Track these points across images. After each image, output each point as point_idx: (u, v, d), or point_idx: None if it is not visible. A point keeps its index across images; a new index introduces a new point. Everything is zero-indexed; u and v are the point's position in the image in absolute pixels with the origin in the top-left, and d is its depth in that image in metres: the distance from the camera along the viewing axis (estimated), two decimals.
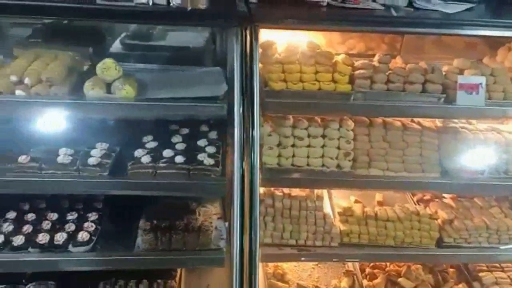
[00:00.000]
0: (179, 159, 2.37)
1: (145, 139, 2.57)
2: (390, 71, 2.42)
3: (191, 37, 2.91)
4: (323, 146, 2.48)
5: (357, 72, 2.37)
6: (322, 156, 2.47)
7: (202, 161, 2.38)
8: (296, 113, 2.48)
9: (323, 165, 2.46)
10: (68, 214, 2.55)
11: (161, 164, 2.34)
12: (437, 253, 2.67)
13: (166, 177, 2.32)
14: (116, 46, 2.83)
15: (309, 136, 2.49)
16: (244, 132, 2.11)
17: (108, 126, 2.61)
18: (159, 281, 2.67)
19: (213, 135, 2.69)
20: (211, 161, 2.38)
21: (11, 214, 2.50)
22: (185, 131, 2.70)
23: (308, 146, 2.47)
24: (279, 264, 2.99)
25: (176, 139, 2.59)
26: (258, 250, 2.09)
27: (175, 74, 2.59)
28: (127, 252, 2.41)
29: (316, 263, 3.06)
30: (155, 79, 2.47)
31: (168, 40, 2.89)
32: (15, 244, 2.31)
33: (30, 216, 2.50)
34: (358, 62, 2.42)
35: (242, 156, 2.07)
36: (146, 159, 2.35)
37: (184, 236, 2.42)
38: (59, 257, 2.33)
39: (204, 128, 2.76)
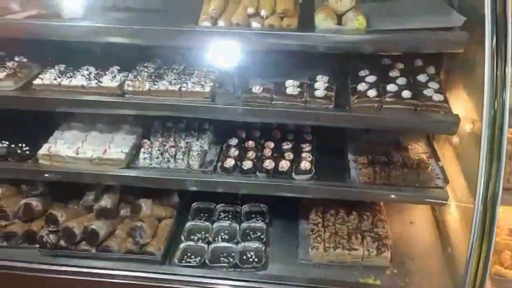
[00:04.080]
0: (406, 94, 2.29)
1: (362, 73, 2.54)
2: None
3: None
4: None
5: None
6: None
7: (431, 96, 2.28)
8: None
9: None
10: (284, 144, 2.68)
11: (387, 99, 2.29)
12: None
13: (392, 112, 2.28)
14: None
15: None
16: (496, 68, 1.92)
17: (326, 58, 2.62)
18: (367, 213, 2.72)
19: (431, 70, 2.55)
20: (440, 97, 2.27)
21: (233, 141, 2.71)
22: (400, 65, 2.60)
23: None
24: None
25: (394, 73, 2.51)
26: (500, 193, 1.98)
27: (398, 4, 2.46)
28: (344, 183, 2.47)
29: None
30: (377, 10, 2.37)
31: None
32: (244, 168, 2.50)
33: (250, 144, 2.68)
34: None
35: (494, 95, 1.91)
36: (372, 93, 2.32)
37: (403, 173, 2.40)
38: (282, 183, 2.48)
39: (419, 62, 2.63)
